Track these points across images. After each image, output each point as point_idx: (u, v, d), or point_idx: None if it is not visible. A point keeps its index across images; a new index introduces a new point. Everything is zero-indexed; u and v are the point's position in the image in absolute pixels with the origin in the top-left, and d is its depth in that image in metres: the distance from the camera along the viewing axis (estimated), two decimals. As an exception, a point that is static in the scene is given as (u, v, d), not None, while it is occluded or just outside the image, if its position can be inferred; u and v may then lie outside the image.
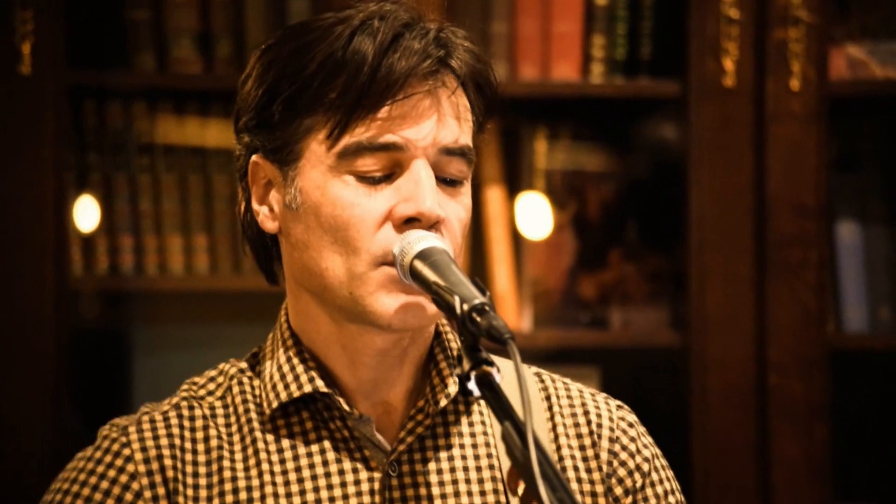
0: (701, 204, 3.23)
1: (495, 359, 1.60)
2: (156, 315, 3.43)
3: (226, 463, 1.73)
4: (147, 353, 3.40)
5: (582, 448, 1.78)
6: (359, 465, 1.72)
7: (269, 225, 1.74)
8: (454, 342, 1.79)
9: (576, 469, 1.77)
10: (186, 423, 1.74)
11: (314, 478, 1.72)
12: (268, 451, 1.73)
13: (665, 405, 3.30)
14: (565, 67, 3.33)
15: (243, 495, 1.71)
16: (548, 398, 1.80)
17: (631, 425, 1.81)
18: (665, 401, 3.32)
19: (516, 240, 3.36)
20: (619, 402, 1.84)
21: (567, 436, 1.78)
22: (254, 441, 1.74)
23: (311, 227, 1.70)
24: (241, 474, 1.72)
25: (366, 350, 1.72)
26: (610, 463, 1.78)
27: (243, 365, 1.79)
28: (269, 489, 1.71)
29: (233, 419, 1.75)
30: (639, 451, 1.80)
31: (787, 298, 3.21)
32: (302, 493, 1.71)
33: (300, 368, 1.73)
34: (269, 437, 1.73)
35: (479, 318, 1.55)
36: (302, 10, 3.25)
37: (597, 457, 1.78)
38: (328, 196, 1.69)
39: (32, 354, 3.12)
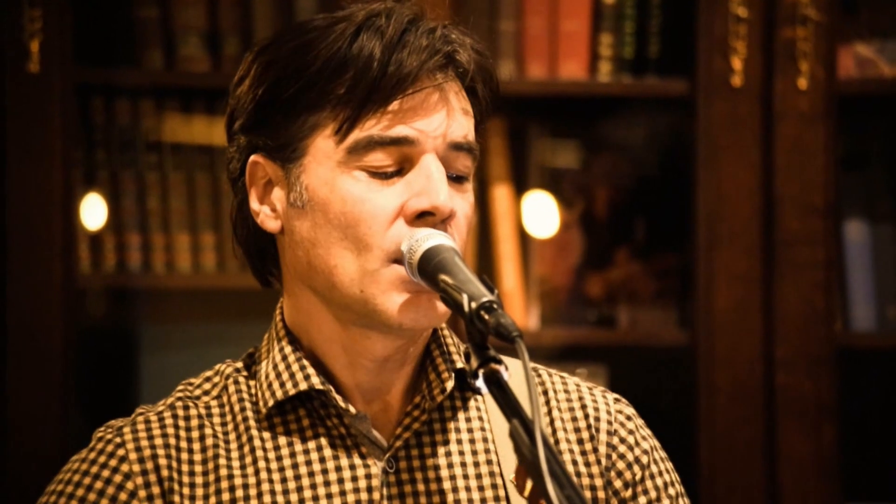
0: (709, 202, 3.22)
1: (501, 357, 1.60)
2: (163, 313, 3.43)
3: (222, 461, 1.72)
4: (154, 351, 3.41)
5: (580, 442, 1.78)
6: (356, 462, 1.72)
7: (271, 224, 1.74)
8: (450, 338, 1.78)
9: (574, 463, 1.77)
10: (181, 423, 1.74)
11: (311, 475, 1.71)
12: (264, 449, 1.72)
13: (673, 403, 3.30)
14: (573, 66, 3.33)
15: (240, 493, 1.71)
16: (545, 393, 1.80)
17: (629, 418, 1.81)
18: (673, 399, 3.31)
19: (523, 238, 3.36)
20: (616, 396, 1.84)
21: (565, 430, 1.78)
22: (250, 439, 1.73)
23: (319, 223, 1.69)
24: (237, 472, 1.72)
25: (366, 354, 1.72)
26: (609, 456, 1.78)
27: (239, 365, 1.79)
28: (265, 486, 1.71)
29: (229, 418, 1.75)
30: (637, 444, 1.79)
31: (795, 297, 3.21)
32: (299, 489, 1.71)
33: (296, 366, 1.73)
34: (266, 435, 1.73)
35: (487, 316, 1.55)
36: (309, 8, 3.25)
37: (595, 450, 1.78)
38: (337, 192, 1.68)
39: (40, 352, 3.12)
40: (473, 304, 1.56)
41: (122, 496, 1.70)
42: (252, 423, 1.74)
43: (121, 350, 3.42)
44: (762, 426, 3.21)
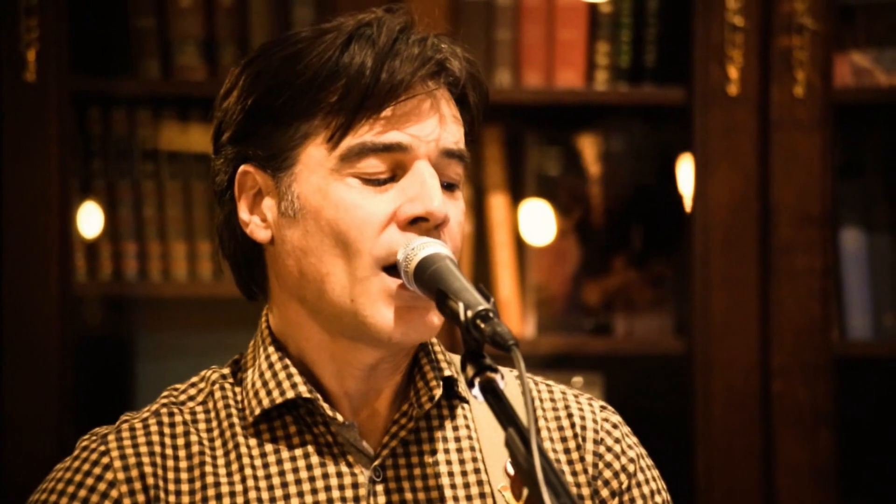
0: (705, 210, 3.23)
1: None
2: (159, 321, 3.43)
3: (208, 469, 1.72)
4: (151, 360, 3.41)
5: (567, 451, 1.78)
6: (343, 470, 1.71)
7: (261, 234, 1.73)
8: (438, 346, 1.78)
9: (561, 471, 1.77)
10: (166, 430, 1.74)
11: (298, 482, 1.71)
12: (251, 457, 1.72)
13: (669, 411, 3.30)
14: (569, 74, 3.33)
15: (227, 500, 1.70)
16: (532, 401, 1.80)
17: (615, 426, 1.81)
18: (669, 407, 3.31)
19: (520, 246, 3.36)
20: (602, 403, 1.83)
21: (552, 439, 1.78)
22: (236, 446, 1.73)
23: (311, 231, 1.69)
24: (223, 480, 1.71)
25: (355, 364, 1.72)
26: (595, 465, 1.78)
27: (225, 371, 1.78)
28: (252, 494, 1.70)
29: (214, 424, 1.75)
30: (623, 452, 1.79)
31: (792, 305, 3.21)
32: (286, 497, 1.70)
33: (283, 374, 1.72)
34: (252, 442, 1.73)
35: (483, 325, 1.55)
36: (306, 17, 3.26)
37: (582, 459, 1.78)
38: (330, 199, 1.68)
39: (36, 360, 3.12)
40: (469, 313, 1.56)
41: None
42: (238, 429, 1.73)
43: (117, 358, 3.42)
44: (759, 434, 3.21)
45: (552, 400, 1.80)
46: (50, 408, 3.12)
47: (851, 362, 3.32)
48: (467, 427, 1.76)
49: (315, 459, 1.71)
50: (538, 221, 3.38)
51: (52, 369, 3.12)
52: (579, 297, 3.37)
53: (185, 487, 1.71)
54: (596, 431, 1.79)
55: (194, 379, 1.79)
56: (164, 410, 1.75)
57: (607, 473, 1.78)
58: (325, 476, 1.71)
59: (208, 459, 1.72)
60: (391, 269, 1.68)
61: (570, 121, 3.40)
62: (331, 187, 1.68)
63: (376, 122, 1.68)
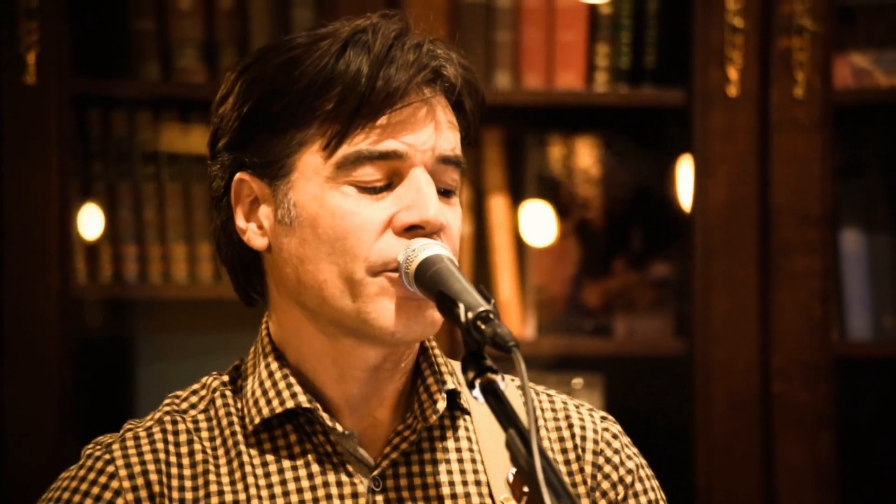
0: (705, 211, 3.23)
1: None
2: (160, 323, 3.43)
3: (212, 477, 1.72)
4: (151, 362, 3.41)
5: (567, 462, 1.77)
6: (343, 480, 1.71)
7: (258, 242, 1.73)
8: (440, 357, 1.78)
9: (562, 473, 1.76)
10: (171, 438, 1.74)
11: (299, 491, 1.71)
12: (252, 465, 1.72)
13: (669, 413, 3.30)
14: (569, 76, 3.33)
15: None
16: (532, 403, 1.79)
17: (615, 437, 1.80)
18: (669, 408, 3.32)
19: (520, 248, 3.36)
20: (603, 414, 1.83)
21: (552, 449, 1.77)
22: (238, 454, 1.73)
23: (308, 239, 1.69)
24: (227, 488, 1.71)
25: (358, 364, 1.71)
26: (594, 476, 1.77)
27: (225, 378, 1.78)
28: (255, 503, 1.70)
29: (216, 432, 1.74)
30: (622, 463, 1.79)
31: (792, 306, 3.21)
32: None
33: (282, 384, 1.72)
34: (254, 452, 1.72)
35: (483, 326, 1.55)
36: (306, 19, 3.26)
37: (581, 470, 1.77)
38: (326, 207, 1.68)
39: (37, 362, 3.12)
40: (470, 315, 1.56)
41: None
42: (240, 438, 1.73)
43: (117, 360, 3.42)
44: (759, 435, 3.21)
45: (553, 409, 1.80)
46: (50, 410, 3.12)
47: (852, 363, 3.32)
48: (469, 439, 1.76)
49: (315, 468, 1.71)
50: (538, 223, 3.39)
51: (53, 371, 3.12)
52: (579, 298, 3.37)
53: (189, 496, 1.71)
54: (596, 442, 1.79)
55: (195, 386, 1.79)
56: (167, 419, 1.75)
57: (605, 484, 1.78)
58: (326, 485, 1.71)
59: (212, 468, 1.72)
60: (389, 270, 1.68)
61: (571, 122, 3.41)
62: (327, 195, 1.68)
63: (372, 130, 1.68)
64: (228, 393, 1.76)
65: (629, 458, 1.80)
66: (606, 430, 1.80)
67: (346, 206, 1.68)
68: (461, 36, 3.21)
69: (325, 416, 1.71)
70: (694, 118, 3.24)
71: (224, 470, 1.72)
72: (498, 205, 3.37)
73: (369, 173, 1.68)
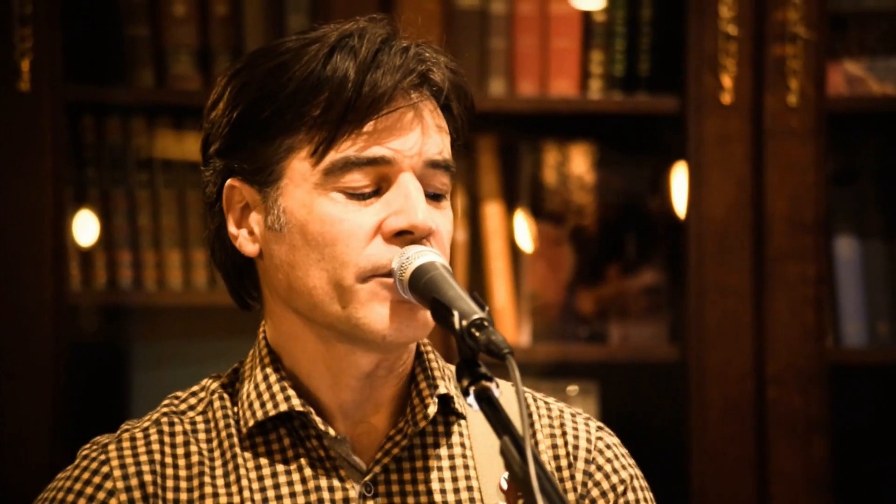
0: (699, 219, 3.23)
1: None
2: (154, 330, 3.43)
3: (207, 479, 1.72)
4: (146, 368, 3.40)
5: (559, 469, 1.77)
6: (335, 485, 1.71)
7: (249, 248, 1.73)
8: (434, 361, 1.78)
9: (557, 480, 1.76)
10: (167, 439, 1.74)
11: (292, 495, 1.71)
12: (246, 468, 1.72)
13: (664, 419, 3.31)
14: (564, 83, 3.34)
15: None
16: (529, 416, 1.79)
17: (608, 447, 1.80)
18: (664, 415, 3.32)
19: (515, 254, 3.37)
20: (599, 424, 1.83)
21: (546, 455, 1.77)
22: (234, 457, 1.73)
23: (297, 246, 1.69)
24: (221, 490, 1.72)
25: (351, 371, 1.71)
26: (584, 484, 1.77)
27: (224, 380, 1.79)
28: None
29: (213, 434, 1.75)
30: (615, 472, 1.78)
31: (786, 313, 3.21)
32: None
33: (276, 387, 1.72)
34: (248, 455, 1.73)
35: (477, 333, 1.55)
36: (301, 26, 3.26)
37: (572, 477, 1.77)
38: (315, 213, 1.68)
39: (31, 369, 3.12)
40: (464, 322, 1.56)
41: None
42: (236, 440, 1.73)
43: (112, 367, 3.42)
44: (753, 441, 3.21)
45: (549, 417, 1.80)
46: (44, 416, 3.12)
47: (845, 370, 3.32)
48: (462, 445, 1.76)
49: (308, 473, 1.71)
50: (533, 230, 3.39)
51: (47, 378, 3.12)
52: (574, 305, 3.37)
53: (183, 497, 1.71)
54: (588, 451, 1.78)
55: (195, 388, 1.79)
56: (164, 420, 1.75)
57: (595, 492, 1.77)
58: (318, 489, 1.71)
59: (207, 470, 1.73)
60: (380, 276, 1.68)
61: (565, 129, 3.41)
62: (315, 202, 1.68)
63: (359, 136, 1.67)
64: (226, 395, 1.76)
65: (623, 468, 1.79)
66: (601, 439, 1.80)
67: (335, 212, 1.68)
68: (455, 43, 3.23)
69: (317, 419, 1.71)
70: (688, 125, 3.24)
71: (219, 472, 1.73)
72: (492, 211, 3.37)
73: (357, 179, 1.68)
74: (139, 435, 1.74)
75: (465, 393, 1.55)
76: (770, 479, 3.20)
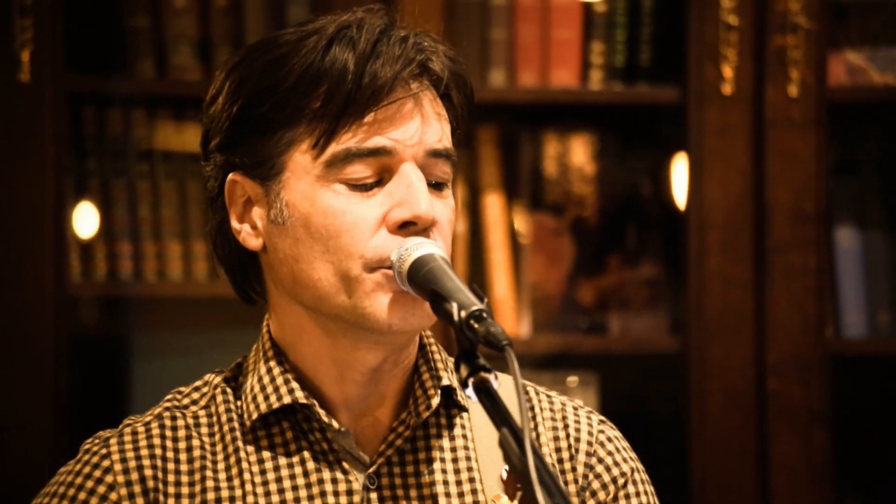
0: (700, 209, 3.23)
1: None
2: (154, 321, 3.43)
3: (209, 473, 1.72)
4: (146, 360, 3.41)
5: (560, 461, 1.77)
6: (338, 477, 1.71)
7: (253, 242, 1.73)
8: (438, 353, 1.78)
9: (556, 472, 1.76)
10: (168, 434, 1.74)
11: (295, 488, 1.71)
12: (249, 462, 1.72)
13: (664, 410, 3.31)
14: (564, 74, 3.33)
15: None
16: (531, 409, 1.79)
17: (610, 440, 1.80)
18: (664, 406, 3.32)
19: (515, 245, 3.37)
20: (601, 418, 1.83)
21: (548, 447, 1.78)
22: (236, 450, 1.73)
23: (301, 238, 1.69)
24: (223, 484, 1.72)
25: (357, 366, 1.72)
26: (585, 476, 1.77)
27: (227, 375, 1.79)
28: (250, 499, 1.71)
29: (216, 428, 1.75)
30: (616, 464, 1.78)
31: (787, 303, 3.21)
32: (283, 503, 1.71)
33: (280, 380, 1.72)
34: (250, 448, 1.73)
35: (476, 325, 1.55)
36: (301, 16, 3.25)
37: (573, 469, 1.77)
38: (318, 206, 1.68)
39: (31, 360, 3.12)
40: (463, 313, 1.56)
41: None
42: (238, 434, 1.74)
43: (112, 358, 3.42)
44: (754, 432, 3.21)
45: (551, 410, 1.80)
46: (45, 408, 3.12)
47: (846, 360, 3.32)
48: (464, 437, 1.76)
49: (311, 466, 1.72)
50: (533, 221, 3.38)
51: (47, 369, 3.12)
52: (574, 296, 3.37)
53: (185, 490, 1.71)
54: (590, 444, 1.78)
55: (198, 382, 1.79)
56: (166, 414, 1.76)
57: (595, 484, 1.77)
58: (320, 482, 1.71)
59: (209, 464, 1.73)
60: (380, 269, 1.68)
61: (565, 120, 3.41)
62: (318, 194, 1.68)
63: (359, 127, 1.67)
64: (229, 390, 1.76)
65: (624, 461, 1.79)
66: (602, 432, 1.80)
67: (338, 204, 1.68)
68: (455, 33, 3.23)
69: (321, 412, 1.71)
70: (689, 116, 3.24)
71: (221, 466, 1.73)
72: (493, 202, 3.37)
73: (359, 171, 1.68)
74: (140, 429, 1.74)
75: (464, 385, 1.55)
76: (771, 470, 3.20)
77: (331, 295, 1.68)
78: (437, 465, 1.74)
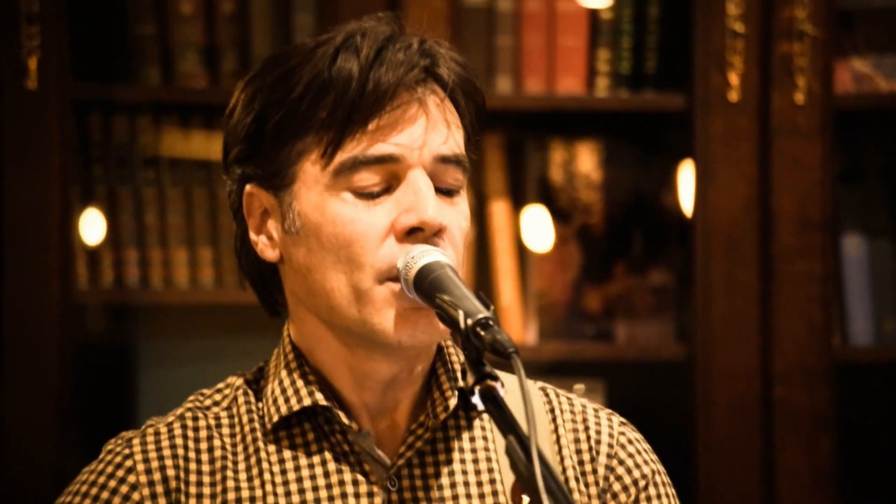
0: (706, 217, 3.23)
1: (499, 373, 1.60)
2: (161, 328, 3.43)
3: (229, 473, 1.73)
4: (152, 367, 3.41)
5: (581, 463, 1.78)
6: (359, 479, 1.72)
7: (270, 253, 1.74)
8: (455, 356, 1.78)
9: (576, 481, 1.77)
10: (190, 434, 1.75)
11: (315, 489, 1.72)
12: (270, 462, 1.73)
13: (670, 417, 3.30)
14: (570, 81, 3.33)
15: None
16: (552, 411, 1.80)
17: (631, 441, 1.81)
18: (670, 413, 3.32)
19: (521, 253, 3.37)
20: (622, 419, 1.83)
21: (568, 449, 1.78)
22: (257, 451, 1.74)
23: (313, 249, 1.70)
24: (244, 485, 1.73)
25: (373, 375, 1.73)
26: (606, 478, 1.78)
27: (249, 377, 1.80)
28: (270, 500, 1.72)
29: (237, 429, 1.76)
30: (637, 466, 1.79)
31: (793, 311, 3.21)
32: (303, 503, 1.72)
33: (300, 383, 1.74)
34: (272, 448, 1.74)
35: (483, 333, 1.55)
36: (307, 24, 3.26)
37: (594, 472, 1.78)
38: (328, 215, 1.69)
39: (38, 367, 3.12)
40: (469, 321, 1.56)
41: None
42: (259, 435, 1.75)
43: (119, 365, 3.42)
44: (760, 439, 3.21)
45: (572, 413, 1.81)
46: (51, 415, 3.12)
47: (852, 368, 3.32)
48: (484, 438, 1.77)
49: (332, 467, 1.73)
50: (539, 228, 3.39)
51: (54, 376, 3.12)
52: (580, 303, 3.37)
53: (206, 491, 1.73)
54: (610, 446, 1.79)
55: (220, 385, 1.81)
56: (188, 415, 1.77)
57: (616, 486, 1.78)
58: (341, 483, 1.72)
59: (230, 464, 1.74)
60: (392, 279, 1.68)
61: (571, 127, 3.41)
62: (327, 203, 1.69)
63: (364, 134, 1.68)
64: (251, 392, 1.78)
65: (645, 462, 1.80)
66: (623, 434, 1.81)
67: (347, 213, 1.68)
68: (462, 40, 3.23)
69: (341, 414, 1.72)
70: (695, 123, 3.24)
71: (242, 466, 1.74)
72: (499, 209, 3.37)
73: (366, 178, 1.69)
74: (163, 430, 1.75)
75: (471, 392, 1.56)
76: (776, 478, 3.20)
77: (342, 307, 1.69)
78: (457, 467, 1.75)
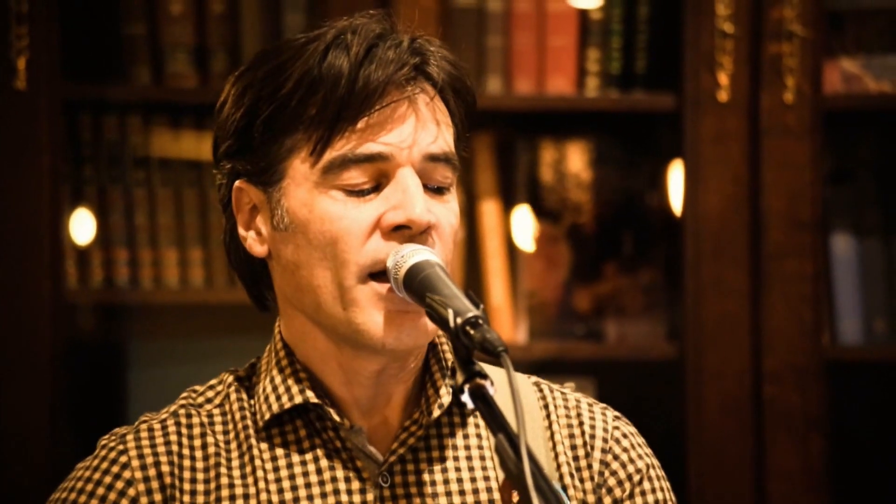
0: (696, 216, 3.23)
1: (491, 370, 1.60)
2: (151, 328, 3.43)
3: (223, 470, 1.74)
4: (142, 366, 3.41)
5: (576, 458, 1.78)
6: (351, 475, 1.73)
7: (258, 249, 1.74)
8: (449, 352, 1.78)
9: (571, 476, 1.77)
10: (184, 431, 1.75)
11: (307, 486, 1.72)
12: (262, 459, 1.74)
13: (661, 417, 3.31)
14: (560, 81, 3.33)
15: (240, 502, 1.72)
16: (546, 407, 1.80)
17: (625, 436, 1.81)
18: (661, 412, 3.32)
19: (511, 252, 3.37)
20: (616, 413, 1.84)
21: (563, 444, 1.78)
22: (250, 448, 1.75)
23: (301, 245, 1.70)
24: (237, 481, 1.73)
25: (361, 371, 1.73)
26: (601, 473, 1.78)
27: (241, 374, 1.80)
28: (263, 497, 1.72)
29: (230, 426, 1.76)
30: (632, 461, 1.79)
31: (783, 310, 3.22)
32: (296, 500, 1.72)
33: (291, 380, 1.74)
34: (264, 446, 1.74)
35: (472, 332, 1.55)
36: (297, 24, 3.26)
37: (589, 466, 1.78)
38: (316, 212, 1.69)
39: (28, 367, 3.12)
40: (459, 320, 1.56)
41: (124, 503, 1.71)
42: (252, 432, 1.75)
43: (109, 365, 3.42)
44: (750, 439, 3.21)
45: (566, 408, 1.81)
46: (42, 414, 3.12)
47: (842, 367, 3.33)
48: (478, 436, 1.77)
49: (324, 463, 1.73)
50: (529, 227, 3.39)
51: (44, 376, 3.12)
52: (571, 302, 3.37)
53: (200, 487, 1.73)
54: (605, 440, 1.79)
55: (213, 381, 1.81)
56: (182, 412, 1.77)
57: (612, 481, 1.78)
58: (334, 480, 1.72)
59: (223, 461, 1.74)
60: (379, 276, 1.68)
61: (561, 127, 3.41)
62: (316, 201, 1.69)
63: (353, 133, 1.68)
64: (243, 389, 1.78)
65: (640, 457, 1.80)
66: (617, 428, 1.81)
67: (334, 210, 1.68)
68: (452, 40, 3.23)
69: (332, 411, 1.72)
70: (684, 123, 3.24)
71: (235, 463, 1.74)
72: (489, 209, 3.37)
73: (355, 176, 1.69)
74: (157, 426, 1.76)
75: (460, 391, 1.56)
76: (767, 477, 3.21)
77: (328, 304, 1.69)
78: (450, 464, 1.75)
